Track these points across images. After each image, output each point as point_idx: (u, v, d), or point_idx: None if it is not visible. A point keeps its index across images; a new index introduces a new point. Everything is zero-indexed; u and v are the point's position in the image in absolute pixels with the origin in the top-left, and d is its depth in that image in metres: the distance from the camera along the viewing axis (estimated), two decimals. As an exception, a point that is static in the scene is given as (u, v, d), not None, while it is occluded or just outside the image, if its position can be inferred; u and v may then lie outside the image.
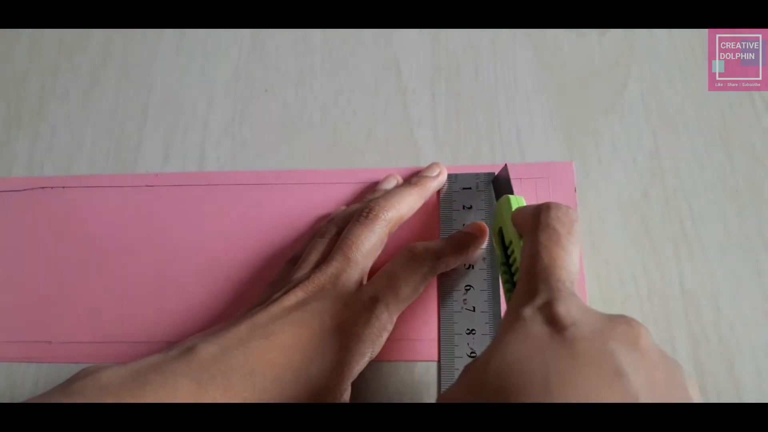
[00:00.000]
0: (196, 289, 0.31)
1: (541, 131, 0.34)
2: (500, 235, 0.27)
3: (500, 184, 0.31)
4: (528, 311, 0.20)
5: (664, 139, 0.33)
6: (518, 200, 0.27)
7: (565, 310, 0.19)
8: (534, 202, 0.31)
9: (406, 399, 0.28)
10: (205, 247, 0.32)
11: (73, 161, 0.35)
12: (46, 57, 0.39)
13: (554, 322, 0.19)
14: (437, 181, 0.32)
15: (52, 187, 0.35)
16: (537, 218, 0.23)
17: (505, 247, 0.27)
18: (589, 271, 0.30)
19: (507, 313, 0.21)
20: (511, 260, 0.26)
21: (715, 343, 0.28)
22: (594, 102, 0.34)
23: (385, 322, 0.26)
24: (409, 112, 0.35)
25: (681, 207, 0.31)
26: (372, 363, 0.26)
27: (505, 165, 0.30)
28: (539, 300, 0.20)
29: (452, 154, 0.34)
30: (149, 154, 0.35)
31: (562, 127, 0.34)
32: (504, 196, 0.27)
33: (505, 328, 0.20)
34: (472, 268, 0.30)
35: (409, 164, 0.34)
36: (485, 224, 0.30)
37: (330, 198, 0.33)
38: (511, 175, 0.30)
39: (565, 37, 0.36)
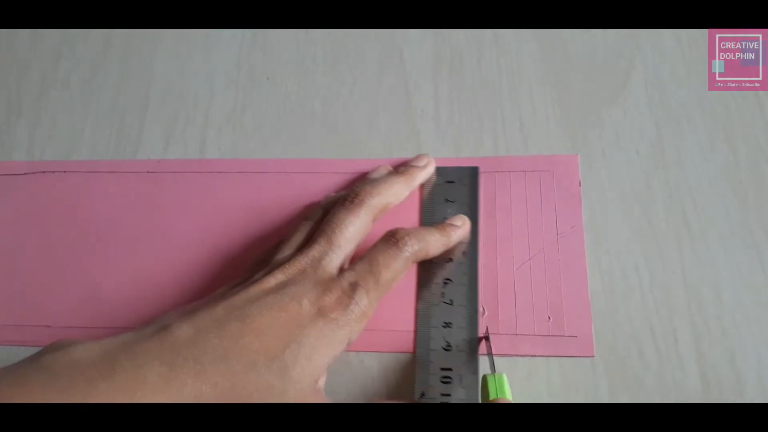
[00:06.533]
0: (196, 274, 0.31)
1: (543, 123, 0.34)
2: None
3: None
4: None
5: (668, 131, 0.33)
6: (500, 379, 0.25)
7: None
8: (538, 196, 0.31)
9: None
10: (205, 233, 0.32)
11: (74, 149, 0.35)
12: (47, 45, 0.39)
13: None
14: (424, 171, 0.32)
15: (52, 172, 0.34)
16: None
17: None
18: (592, 262, 0.30)
19: None
20: None
21: (717, 335, 0.28)
22: (597, 94, 0.34)
23: (365, 309, 0.25)
24: (411, 103, 0.35)
25: (684, 199, 0.31)
26: (354, 352, 0.25)
27: (486, 328, 0.28)
28: None
29: (455, 145, 0.34)
30: (150, 142, 0.35)
31: (565, 119, 0.34)
32: (483, 376, 0.26)
33: None
34: (452, 261, 0.30)
35: (411, 155, 0.33)
36: (467, 217, 0.30)
37: (330, 187, 0.33)
38: (516, 168, 0.29)
39: (568, 29, 0.36)
